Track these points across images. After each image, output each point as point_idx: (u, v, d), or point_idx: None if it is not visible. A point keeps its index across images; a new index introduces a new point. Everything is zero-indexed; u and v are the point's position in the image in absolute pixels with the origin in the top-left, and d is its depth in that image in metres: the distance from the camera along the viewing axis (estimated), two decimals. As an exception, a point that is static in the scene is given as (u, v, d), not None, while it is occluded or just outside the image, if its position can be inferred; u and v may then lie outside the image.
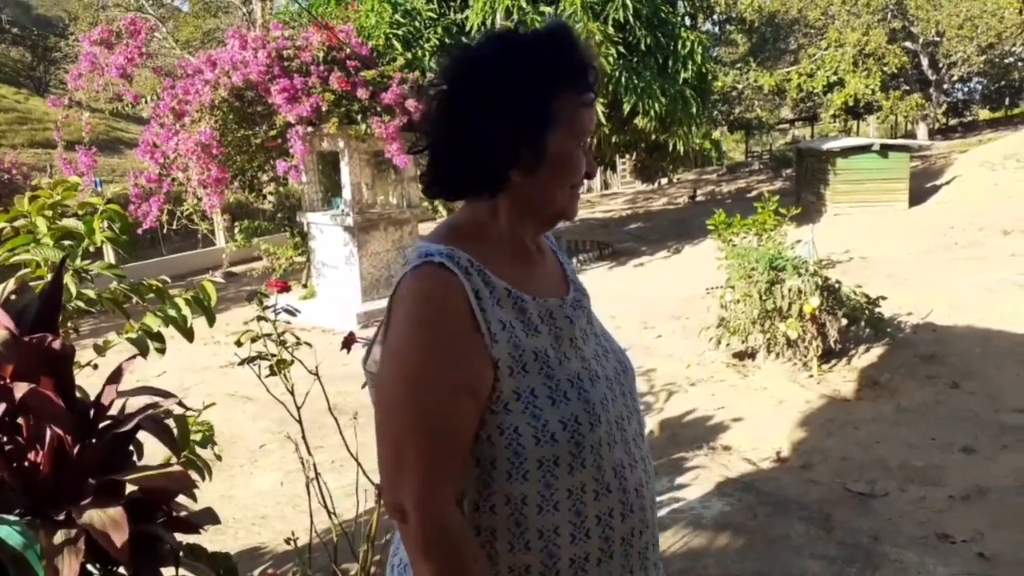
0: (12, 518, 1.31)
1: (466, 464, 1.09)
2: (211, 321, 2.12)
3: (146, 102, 9.16)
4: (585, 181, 1.25)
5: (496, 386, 1.08)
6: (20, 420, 1.57)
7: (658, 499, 3.99)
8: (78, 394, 1.75)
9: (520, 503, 1.09)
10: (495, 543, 1.11)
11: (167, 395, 1.75)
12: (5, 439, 1.57)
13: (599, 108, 10.94)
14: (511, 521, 1.10)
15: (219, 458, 2.57)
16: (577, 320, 1.21)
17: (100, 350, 2.06)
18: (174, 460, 2.01)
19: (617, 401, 1.20)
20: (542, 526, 1.10)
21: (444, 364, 1.05)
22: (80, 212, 2.15)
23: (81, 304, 2.06)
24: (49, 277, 1.96)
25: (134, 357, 1.82)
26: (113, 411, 1.70)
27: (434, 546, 1.04)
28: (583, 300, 1.28)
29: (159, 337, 2.05)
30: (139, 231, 8.84)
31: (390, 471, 1.08)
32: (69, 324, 2.15)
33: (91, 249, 2.12)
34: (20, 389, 1.43)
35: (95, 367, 2.03)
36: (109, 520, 1.39)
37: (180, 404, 1.83)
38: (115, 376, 1.70)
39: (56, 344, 1.54)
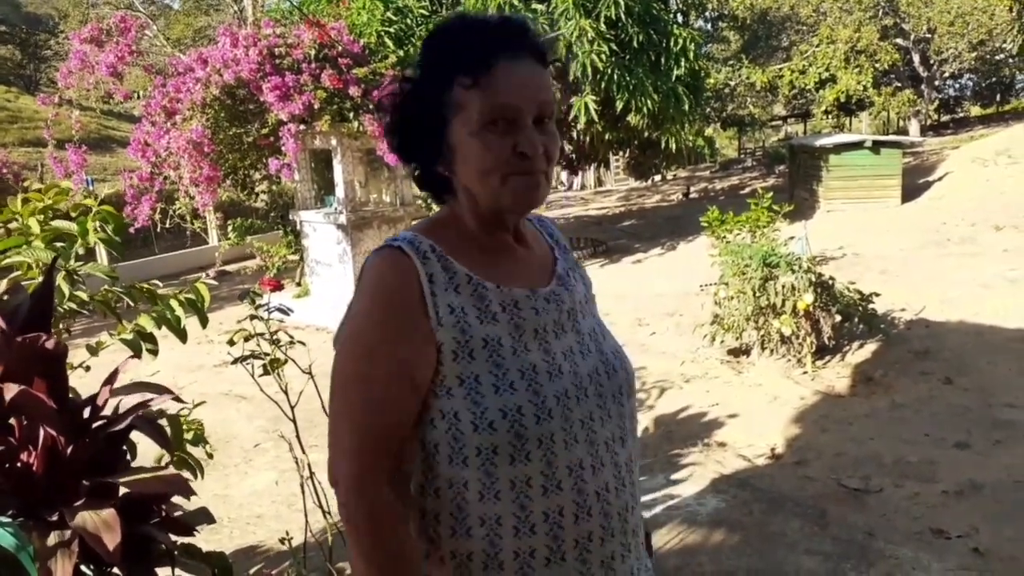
0: (5, 519, 1.29)
1: (403, 445, 1.12)
2: (204, 323, 2.12)
3: (137, 98, 9.11)
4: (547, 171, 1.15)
5: (440, 370, 1.09)
6: (12, 421, 1.56)
7: (653, 496, 4.01)
8: (71, 395, 1.74)
9: (462, 488, 1.10)
10: (438, 527, 1.13)
11: (161, 390, 1.74)
12: (-3, 440, 1.56)
13: (591, 105, 10.93)
14: (453, 506, 1.11)
15: (210, 456, 2.56)
16: (546, 313, 1.17)
17: (93, 351, 2.05)
18: (166, 459, 2.00)
19: (588, 401, 1.14)
20: (483, 514, 1.10)
21: (388, 344, 1.08)
22: (73, 213, 2.14)
23: (73, 305, 2.05)
24: (40, 278, 1.95)
25: (129, 358, 1.81)
26: (107, 411, 1.68)
27: (358, 520, 1.08)
28: (564, 295, 1.22)
29: (151, 338, 2.04)
30: (132, 230, 8.79)
31: (331, 443, 1.13)
32: (61, 325, 2.13)
33: (81, 251, 2.10)
34: (10, 390, 1.42)
35: (87, 368, 2.01)
36: (101, 522, 1.38)
37: (175, 398, 1.81)
38: (112, 378, 1.69)
39: (49, 344, 1.52)
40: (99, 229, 2.12)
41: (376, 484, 1.08)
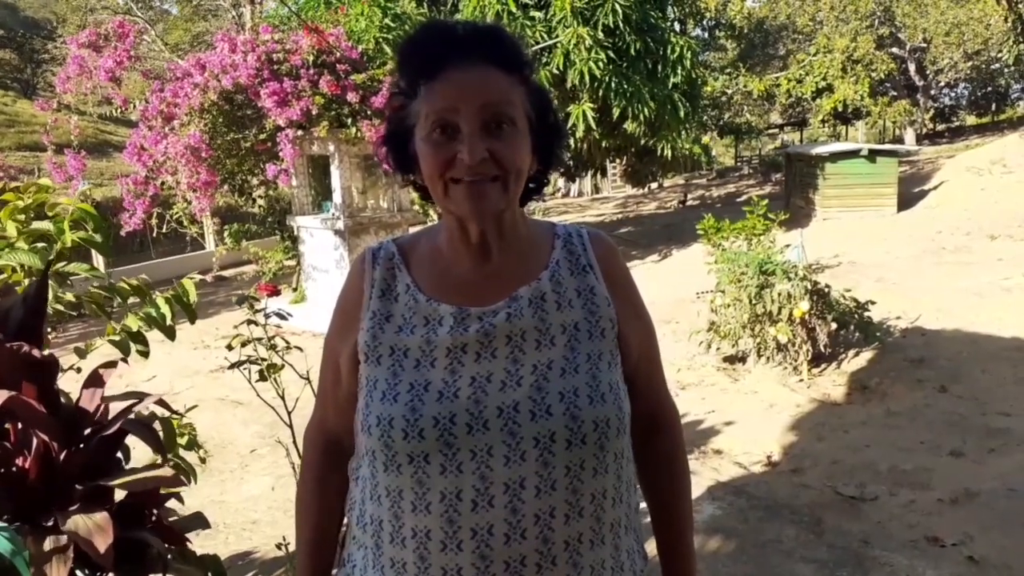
0: (1, 524, 1.29)
1: (339, 419, 1.23)
2: (192, 319, 2.11)
3: (135, 106, 9.11)
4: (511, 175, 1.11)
5: (360, 368, 1.16)
6: (7, 425, 1.56)
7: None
8: (63, 400, 1.74)
9: (360, 479, 1.19)
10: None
11: (148, 396, 1.73)
12: (-8, 444, 1.56)
13: (589, 113, 10.95)
14: (363, 495, 1.19)
15: (203, 461, 2.55)
16: (471, 333, 1.11)
17: (82, 353, 2.04)
18: (159, 462, 2.00)
19: (488, 434, 1.06)
20: (366, 511, 1.17)
21: (331, 330, 1.25)
22: (50, 213, 2.11)
23: (60, 307, 2.04)
24: (26, 282, 1.94)
25: (115, 364, 1.78)
26: (100, 415, 1.68)
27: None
28: (504, 318, 1.12)
29: (142, 339, 2.03)
30: (126, 234, 8.80)
31: None
32: (48, 327, 2.12)
33: (64, 252, 2.08)
34: (0, 396, 1.42)
35: (78, 370, 2.01)
36: (94, 526, 1.38)
37: (163, 404, 1.81)
38: (93, 381, 1.68)
39: (38, 352, 1.52)
40: (80, 229, 2.09)
41: (311, 441, 1.30)
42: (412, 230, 10.16)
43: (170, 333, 2.05)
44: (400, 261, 1.19)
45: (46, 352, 1.92)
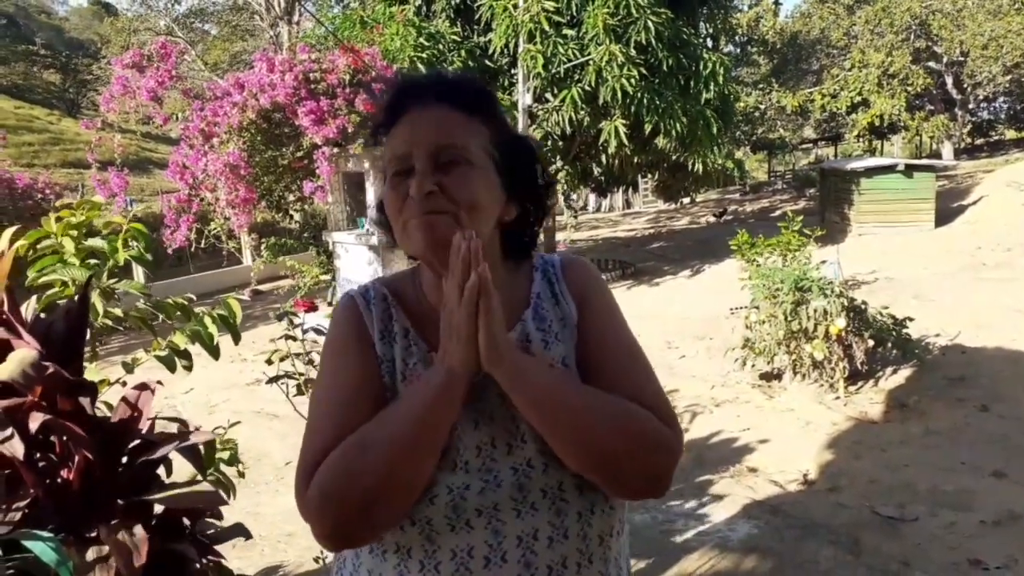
0: (46, 534, 1.32)
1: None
2: (236, 339, 2.14)
3: (176, 120, 9.31)
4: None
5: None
6: (53, 438, 1.60)
7: (685, 521, 3.97)
8: (108, 412, 1.78)
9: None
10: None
11: (197, 431, 1.76)
12: (39, 455, 1.60)
13: (621, 129, 10.95)
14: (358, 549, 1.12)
15: (242, 475, 2.58)
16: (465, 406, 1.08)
17: (128, 368, 2.09)
18: (199, 478, 2.03)
19: (497, 492, 1.04)
20: (362, 564, 1.11)
21: (333, 372, 1.13)
22: (104, 231, 2.17)
23: (108, 322, 2.09)
24: (76, 296, 1.99)
25: (151, 389, 1.79)
26: (140, 431, 1.71)
27: (312, 499, 1.00)
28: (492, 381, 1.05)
29: (186, 354, 2.07)
30: (169, 250, 8.99)
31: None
32: (95, 342, 2.17)
33: (115, 268, 2.13)
34: (35, 420, 1.45)
35: (123, 384, 2.05)
36: (131, 539, 1.41)
37: (208, 439, 1.83)
38: (133, 402, 1.70)
39: (77, 374, 1.56)
40: (130, 247, 2.15)
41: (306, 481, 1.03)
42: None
43: (215, 352, 2.09)
44: (394, 302, 1.17)
45: (93, 365, 1.98)
